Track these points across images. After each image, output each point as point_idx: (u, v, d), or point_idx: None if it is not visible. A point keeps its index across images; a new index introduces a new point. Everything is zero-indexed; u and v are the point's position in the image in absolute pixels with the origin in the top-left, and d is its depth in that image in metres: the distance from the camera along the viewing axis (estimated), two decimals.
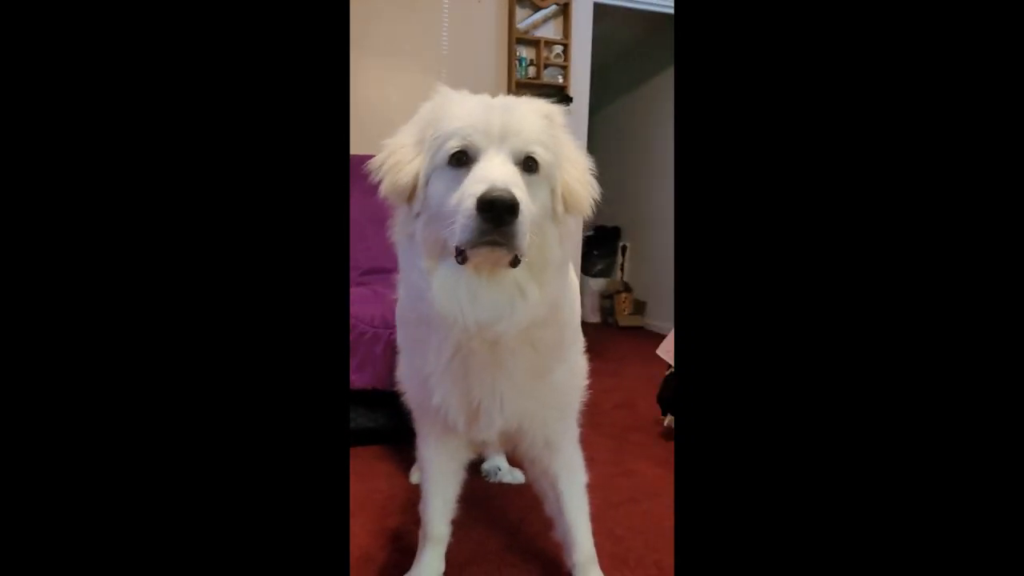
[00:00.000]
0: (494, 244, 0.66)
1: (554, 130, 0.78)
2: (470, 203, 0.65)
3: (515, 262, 0.71)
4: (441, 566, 1.02)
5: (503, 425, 0.86)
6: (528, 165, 0.73)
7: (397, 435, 1.69)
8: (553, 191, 0.77)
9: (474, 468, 1.45)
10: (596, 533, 1.01)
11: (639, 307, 4.65)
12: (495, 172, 0.68)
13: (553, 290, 0.78)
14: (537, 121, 0.75)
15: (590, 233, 4.99)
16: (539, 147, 0.74)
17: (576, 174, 0.79)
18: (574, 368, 0.95)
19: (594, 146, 4.28)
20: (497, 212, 0.64)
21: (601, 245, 5.00)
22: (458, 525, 1.06)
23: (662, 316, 4.38)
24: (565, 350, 0.89)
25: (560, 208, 0.77)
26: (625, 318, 4.57)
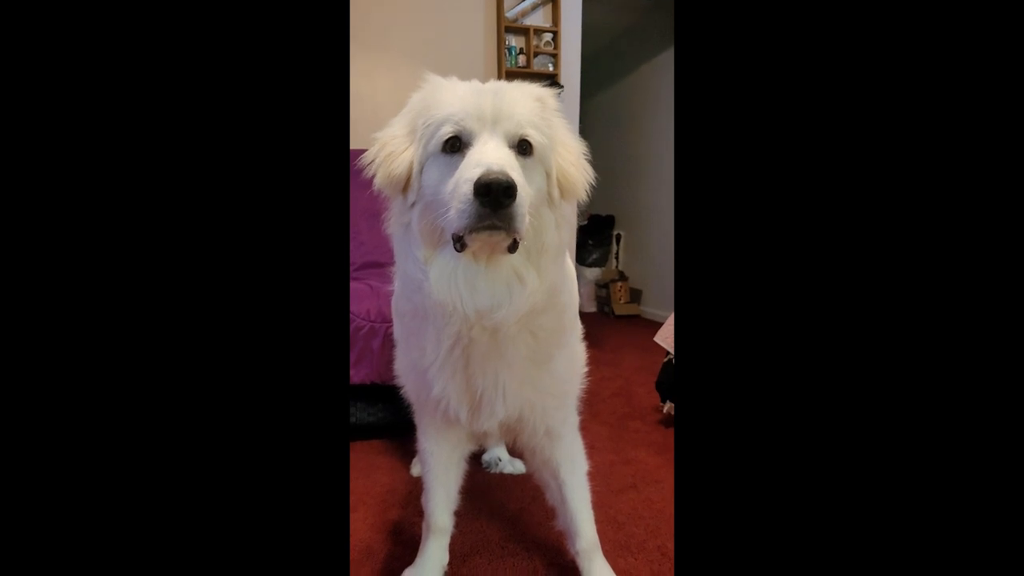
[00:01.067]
0: (492, 228, 0.65)
1: (547, 113, 0.77)
2: (466, 188, 0.64)
3: (513, 247, 0.70)
4: (445, 557, 1.03)
5: (505, 415, 0.86)
6: (522, 148, 0.73)
7: (397, 429, 1.69)
8: (548, 175, 0.76)
9: (475, 460, 1.45)
10: (598, 520, 1.01)
11: (635, 295, 4.66)
12: (491, 155, 0.67)
13: (551, 276, 0.78)
14: (529, 104, 0.75)
15: (584, 222, 4.99)
16: (532, 130, 0.73)
17: (570, 158, 0.78)
18: (574, 355, 0.95)
19: (586, 134, 4.23)
20: (494, 195, 0.63)
21: (595, 234, 4.99)
22: (460, 516, 1.06)
23: (658, 304, 4.39)
24: (565, 336, 0.89)
25: (556, 192, 0.76)
26: (621, 307, 4.58)
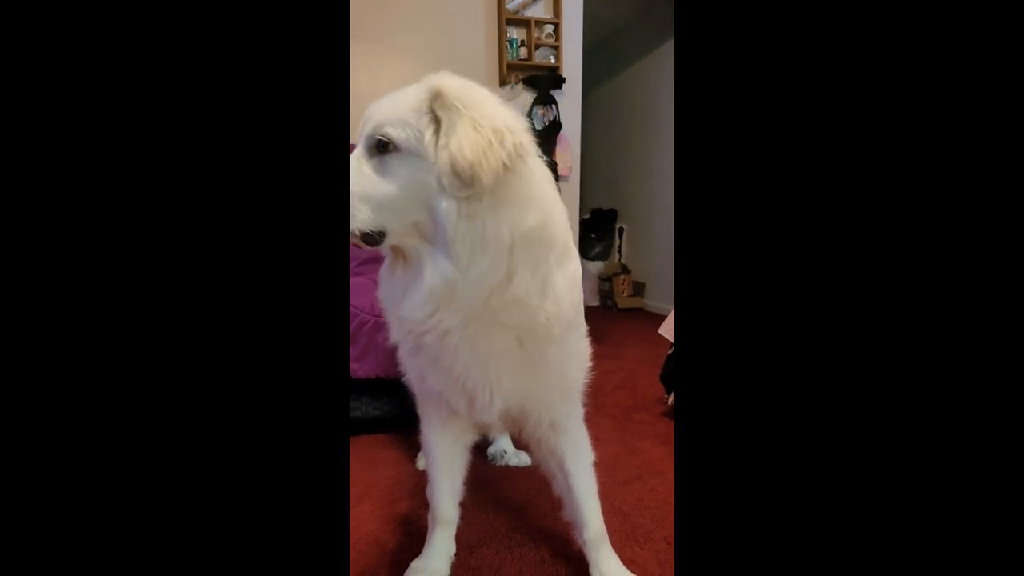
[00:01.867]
0: None
1: (443, 102, 0.72)
2: None
3: (369, 240, 0.76)
4: (452, 548, 1.04)
5: (503, 407, 0.86)
6: (381, 147, 0.75)
7: (402, 422, 1.70)
8: (436, 165, 0.72)
9: (480, 452, 1.47)
10: (604, 511, 1.02)
11: (638, 288, 4.66)
12: None
13: (480, 268, 0.73)
14: (401, 102, 0.75)
15: (586, 216, 4.98)
16: (393, 128, 0.73)
17: (470, 142, 0.70)
18: (575, 350, 0.94)
19: (588, 127, 4.24)
20: None
21: (598, 228, 4.98)
22: (466, 508, 1.07)
23: (661, 297, 4.39)
24: (553, 329, 0.84)
25: (448, 180, 0.71)
26: (624, 300, 4.58)
